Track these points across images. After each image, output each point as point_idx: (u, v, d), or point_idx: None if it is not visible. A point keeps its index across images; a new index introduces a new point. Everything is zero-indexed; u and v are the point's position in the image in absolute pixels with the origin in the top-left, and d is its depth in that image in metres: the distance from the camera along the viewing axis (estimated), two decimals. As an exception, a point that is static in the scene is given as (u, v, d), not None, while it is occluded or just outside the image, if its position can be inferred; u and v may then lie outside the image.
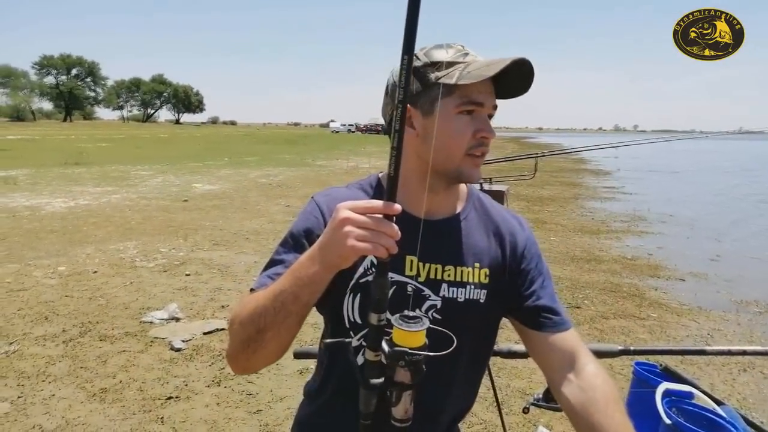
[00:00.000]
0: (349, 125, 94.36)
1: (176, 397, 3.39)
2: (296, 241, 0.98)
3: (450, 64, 0.96)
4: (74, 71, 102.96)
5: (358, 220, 0.80)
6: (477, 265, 1.06)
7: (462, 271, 1.05)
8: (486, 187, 6.42)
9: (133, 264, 6.35)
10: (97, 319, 4.62)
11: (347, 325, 1.04)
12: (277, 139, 45.09)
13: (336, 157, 27.40)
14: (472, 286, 1.05)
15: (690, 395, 1.42)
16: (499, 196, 6.72)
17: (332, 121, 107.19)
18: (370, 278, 0.93)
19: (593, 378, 1.02)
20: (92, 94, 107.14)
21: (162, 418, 3.17)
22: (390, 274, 0.81)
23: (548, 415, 3.18)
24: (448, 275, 1.04)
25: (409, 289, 1.02)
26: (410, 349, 0.78)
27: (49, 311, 4.78)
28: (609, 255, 7.64)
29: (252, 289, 0.98)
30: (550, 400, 1.48)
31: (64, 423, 3.10)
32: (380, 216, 0.79)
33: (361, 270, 1.01)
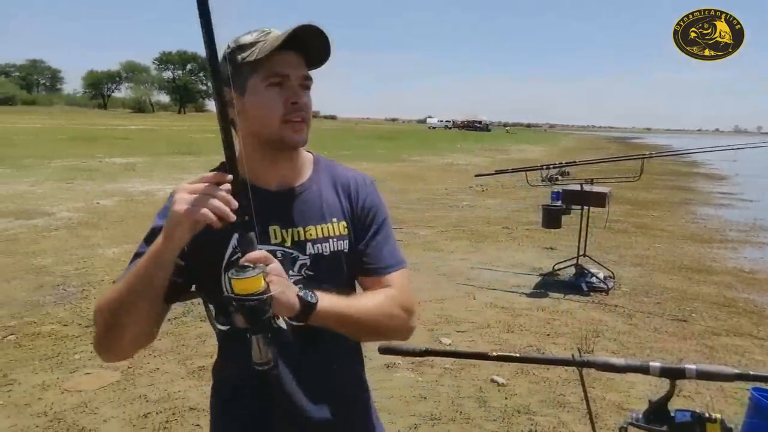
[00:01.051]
0: (446, 121, 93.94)
1: (267, 380, 3.52)
2: (155, 235, 1.00)
3: (252, 44, 1.05)
4: (189, 66, 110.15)
5: (189, 188, 0.90)
6: (334, 220, 1.15)
7: (322, 228, 1.14)
8: (587, 188, 6.12)
9: (234, 250, 6.69)
10: (199, 300, 4.91)
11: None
12: (371, 135, 45.79)
13: (430, 153, 27.41)
14: (335, 239, 1.14)
15: (820, 431, 1.26)
16: (600, 198, 6.36)
17: (429, 116, 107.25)
18: (239, 255, 0.94)
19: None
20: (204, 88, 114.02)
21: (253, 399, 3.31)
22: (260, 246, 0.90)
23: (646, 434, 2.97)
24: (311, 234, 1.12)
25: (279, 254, 1.07)
26: (242, 295, 0.84)
27: (157, 290, 5.14)
28: (723, 266, 7.06)
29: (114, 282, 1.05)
30: (651, 421, 1.36)
31: (165, 395, 3.32)
32: (211, 185, 0.89)
33: (230, 250, 1.07)
